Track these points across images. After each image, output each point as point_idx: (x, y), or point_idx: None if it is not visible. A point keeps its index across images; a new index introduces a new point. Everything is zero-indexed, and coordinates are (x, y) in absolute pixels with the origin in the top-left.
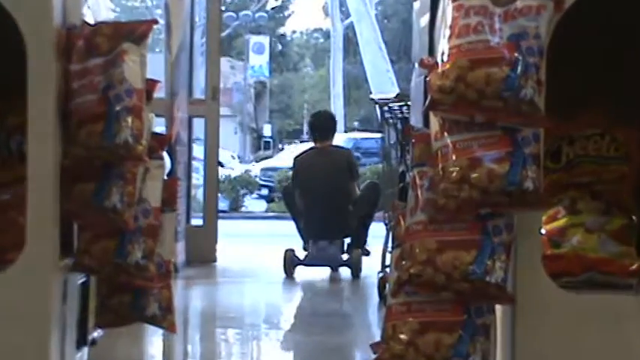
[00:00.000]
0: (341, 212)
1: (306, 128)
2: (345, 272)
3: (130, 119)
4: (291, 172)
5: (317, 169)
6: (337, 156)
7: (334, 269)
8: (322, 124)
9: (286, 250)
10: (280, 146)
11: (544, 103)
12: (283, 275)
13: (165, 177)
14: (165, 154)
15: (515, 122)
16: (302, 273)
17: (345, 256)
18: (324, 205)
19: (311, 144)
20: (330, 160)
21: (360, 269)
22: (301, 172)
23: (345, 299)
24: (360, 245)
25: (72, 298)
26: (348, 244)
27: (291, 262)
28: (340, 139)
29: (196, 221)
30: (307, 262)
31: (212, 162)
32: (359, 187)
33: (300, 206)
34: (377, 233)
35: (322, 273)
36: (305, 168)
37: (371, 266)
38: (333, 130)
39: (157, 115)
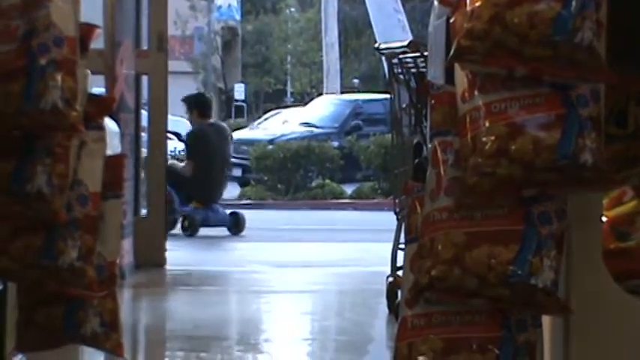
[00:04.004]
0: (225, 179)
1: (290, 89)
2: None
3: (59, 77)
4: (204, 146)
5: (215, 142)
6: (226, 131)
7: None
8: (207, 103)
9: (188, 216)
10: (257, 113)
11: (606, 50)
12: (257, 282)
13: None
14: (107, 123)
15: (568, 76)
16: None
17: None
18: (219, 172)
19: (293, 108)
20: (223, 135)
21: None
22: (201, 145)
23: (344, 311)
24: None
25: None
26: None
27: (197, 223)
28: (335, 100)
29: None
30: (209, 223)
31: (158, 134)
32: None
33: (190, 174)
34: (384, 225)
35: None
36: (205, 141)
37: (375, 268)
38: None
39: (94, 72)
